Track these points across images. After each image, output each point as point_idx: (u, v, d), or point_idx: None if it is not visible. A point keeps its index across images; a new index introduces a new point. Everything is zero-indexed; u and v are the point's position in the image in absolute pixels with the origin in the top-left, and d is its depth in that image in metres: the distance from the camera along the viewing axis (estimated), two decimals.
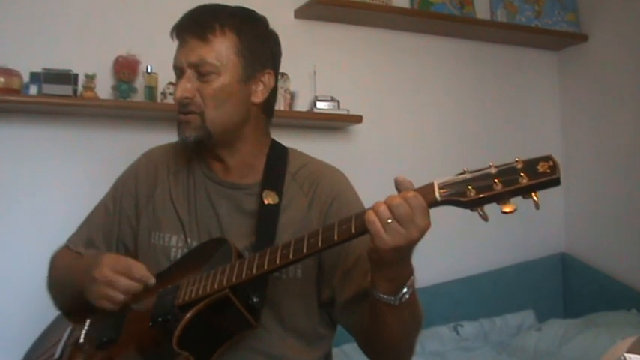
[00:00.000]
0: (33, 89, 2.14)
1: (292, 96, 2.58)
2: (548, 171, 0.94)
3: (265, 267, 1.12)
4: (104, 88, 2.27)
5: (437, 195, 1.00)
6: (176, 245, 1.34)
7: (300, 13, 2.69)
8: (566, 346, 2.54)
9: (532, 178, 0.94)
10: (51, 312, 1.43)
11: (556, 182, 0.94)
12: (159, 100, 2.33)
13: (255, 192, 1.32)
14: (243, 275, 1.13)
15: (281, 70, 1.42)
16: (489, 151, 2.92)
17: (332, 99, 2.62)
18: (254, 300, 1.18)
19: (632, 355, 1.03)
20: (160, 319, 1.18)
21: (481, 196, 0.97)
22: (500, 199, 0.97)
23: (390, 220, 1.00)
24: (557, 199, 3.27)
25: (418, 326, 1.20)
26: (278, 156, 1.37)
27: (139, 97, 2.33)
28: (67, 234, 1.47)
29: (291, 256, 1.10)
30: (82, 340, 1.28)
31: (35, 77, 2.15)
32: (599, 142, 3.18)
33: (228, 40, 1.26)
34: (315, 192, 1.32)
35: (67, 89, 2.15)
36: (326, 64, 2.70)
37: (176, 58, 1.28)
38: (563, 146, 3.33)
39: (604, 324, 2.64)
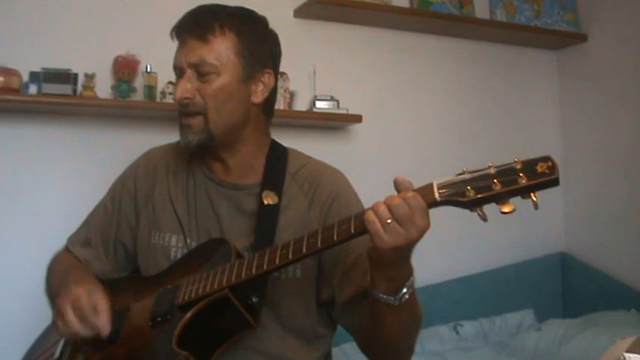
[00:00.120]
0: (32, 89, 2.14)
1: (292, 95, 2.58)
2: (547, 171, 0.94)
3: (265, 267, 1.12)
4: (103, 88, 2.27)
5: (436, 195, 1.00)
6: (176, 245, 1.34)
7: (300, 13, 2.69)
8: (566, 345, 2.54)
9: (531, 178, 0.95)
10: (51, 312, 1.43)
11: (555, 182, 0.94)
12: (158, 99, 2.33)
13: (255, 192, 1.32)
14: (243, 275, 1.13)
15: (281, 69, 1.43)
16: (489, 150, 2.92)
17: (331, 98, 2.62)
18: (253, 300, 1.18)
19: (631, 355, 1.04)
20: (159, 319, 1.19)
21: (480, 196, 0.97)
22: (500, 199, 0.97)
23: (389, 220, 1.00)
24: (556, 199, 3.27)
25: (418, 326, 1.20)
26: (278, 156, 1.37)
27: (139, 96, 2.33)
28: (66, 234, 1.48)
29: (290, 256, 1.10)
30: None
31: (34, 77, 2.15)
32: (598, 142, 3.18)
33: (228, 40, 1.26)
34: (315, 192, 1.32)
35: (66, 89, 2.15)
36: (325, 64, 2.70)
37: (176, 58, 1.28)
38: (562, 146, 3.33)
39: (603, 324, 2.64)
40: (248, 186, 1.33)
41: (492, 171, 0.98)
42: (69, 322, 1.17)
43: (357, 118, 2.65)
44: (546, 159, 0.95)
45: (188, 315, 1.14)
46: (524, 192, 0.96)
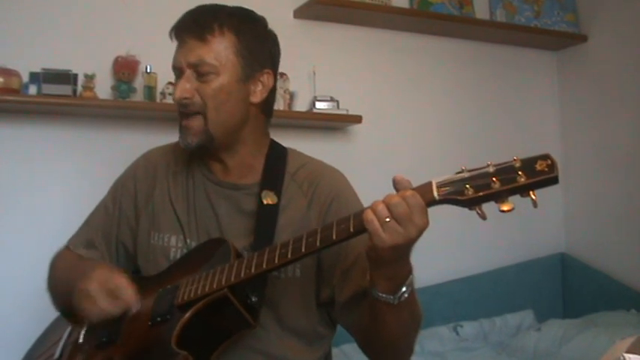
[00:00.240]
0: (32, 89, 2.14)
1: (291, 96, 2.58)
2: (546, 169, 0.94)
3: (264, 266, 1.12)
4: (103, 89, 2.27)
5: (435, 194, 1.00)
6: (175, 245, 1.34)
7: (300, 13, 2.69)
8: (566, 346, 2.54)
9: (530, 176, 0.95)
10: (51, 312, 1.43)
11: (554, 181, 0.94)
12: (158, 100, 2.33)
13: (254, 192, 1.32)
14: (242, 275, 1.13)
15: (280, 70, 1.42)
16: (488, 151, 2.91)
17: (331, 99, 2.62)
18: (253, 299, 1.18)
19: (631, 356, 1.04)
20: (159, 318, 1.19)
21: (479, 194, 0.97)
22: (498, 197, 0.97)
23: (388, 219, 1.00)
24: (556, 199, 3.27)
25: (417, 326, 1.20)
26: (277, 156, 1.37)
27: (139, 97, 2.33)
28: (66, 234, 1.47)
29: (289, 256, 1.10)
30: (81, 340, 1.28)
31: (34, 77, 2.15)
32: (598, 142, 3.18)
33: (227, 41, 1.26)
34: (315, 192, 1.32)
35: (66, 89, 2.15)
36: (325, 64, 2.70)
37: (175, 58, 1.28)
38: (562, 146, 3.33)
39: (603, 324, 2.64)
40: (247, 186, 1.33)
41: (491, 169, 0.98)
42: (99, 301, 1.18)
43: (357, 119, 2.65)
44: (545, 157, 0.95)
45: (187, 315, 1.14)
46: (523, 190, 0.96)
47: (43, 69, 2.15)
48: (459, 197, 0.99)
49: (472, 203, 0.99)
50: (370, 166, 2.65)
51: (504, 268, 3.10)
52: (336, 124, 2.73)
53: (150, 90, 2.31)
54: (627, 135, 3.04)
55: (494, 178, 0.97)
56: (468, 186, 0.98)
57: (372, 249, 1.04)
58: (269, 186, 1.31)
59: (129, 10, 2.40)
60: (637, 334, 1.20)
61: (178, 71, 1.28)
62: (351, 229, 1.05)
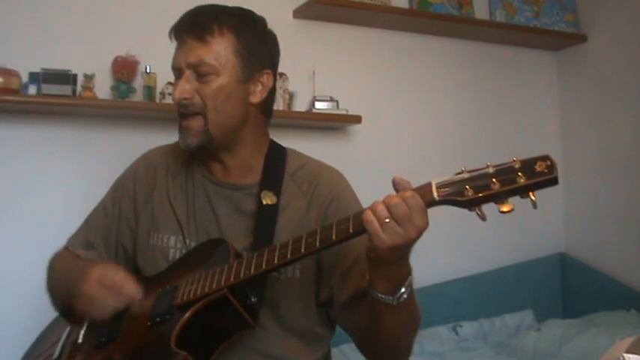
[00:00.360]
0: (32, 89, 2.14)
1: (291, 96, 2.58)
2: (546, 170, 0.94)
3: (263, 267, 1.12)
4: (103, 89, 2.27)
5: (435, 194, 1.00)
6: (175, 246, 1.34)
7: (299, 14, 2.69)
8: (566, 346, 2.54)
9: (530, 177, 0.95)
10: (50, 312, 1.43)
11: (554, 182, 0.94)
12: (158, 100, 2.33)
13: (253, 192, 1.32)
14: (242, 275, 1.13)
15: (280, 70, 1.43)
16: (488, 151, 2.91)
17: (331, 99, 2.62)
18: (252, 300, 1.19)
19: (631, 356, 1.04)
20: (158, 319, 1.19)
21: (479, 195, 0.97)
22: (498, 198, 0.97)
23: (387, 220, 1.00)
24: (556, 200, 3.27)
25: (416, 326, 1.20)
26: (277, 156, 1.37)
27: (138, 97, 2.33)
28: (66, 234, 1.47)
29: (289, 256, 1.10)
30: (80, 340, 1.28)
31: (34, 77, 2.15)
32: (598, 143, 3.18)
33: (227, 41, 1.26)
34: (314, 192, 1.32)
35: (65, 89, 2.15)
36: (325, 65, 2.70)
37: (175, 58, 1.28)
38: (562, 146, 3.33)
39: (603, 324, 2.64)
40: (247, 186, 1.33)
41: (491, 170, 0.98)
42: (101, 298, 1.19)
43: (357, 119, 2.65)
44: (545, 158, 0.95)
45: (187, 315, 1.14)
46: (523, 191, 0.96)
47: (43, 69, 2.15)
48: (458, 198, 0.99)
49: (472, 204, 0.99)
50: (370, 167, 2.65)
51: (504, 268, 3.10)
52: (336, 124, 2.73)
53: (149, 90, 2.31)
54: (627, 135, 3.04)
55: (493, 179, 0.97)
56: (467, 187, 0.98)
57: (372, 249, 1.04)
58: (268, 186, 1.31)
59: (128, 10, 2.40)
60: (637, 334, 1.19)
61: (178, 72, 1.28)
62: (351, 230, 1.05)
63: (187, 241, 1.33)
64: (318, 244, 1.08)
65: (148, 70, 2.31)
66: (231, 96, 1.27)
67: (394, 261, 1.05)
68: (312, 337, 1.32)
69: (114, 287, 1.20)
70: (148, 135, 2.21)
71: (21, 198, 2.23)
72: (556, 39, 3.20)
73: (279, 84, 1.99)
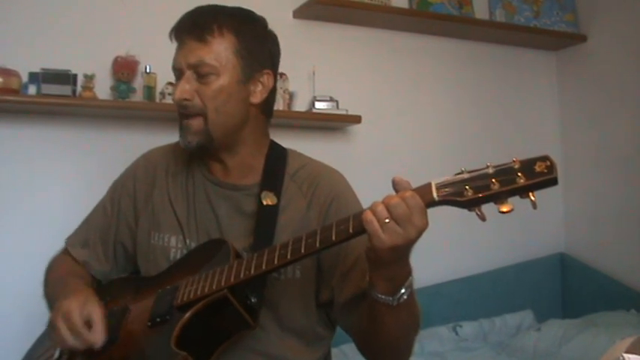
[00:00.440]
0: (32, 89, 2.14)
1: (291, 96, 2.58)
2: (546, 171, 0.94)
3: (263, 267, 1.12)
4: (103, 89, 2.27)
5: (434, 195, 1.00)
6: (175, 246, 1.34)
7: (299, 14, 2.69)
8: (566, 346, 2.54)
9: (529, 177, 0.95)
10: (49, 314, 1.43)
11: (553, 182, 0.94)
12: (157, 100, 2.34)
13: (254, 193, 1.32)
14: (242, 275, 1.13)
15: (280, 70, 1.42)
16: (488, 151, 2.92)
17: (331, 99, 2.62)
18: (252, 300, 1.18)
19: (631, 356, 1.04)
20: (158, 319, 1.19)
21: (478, 195, 0.98)
22: (498, 198, 0.97)
23: (387, 220, 1.00)
24: (556, 200, 3.27)
25: (416, 327, 1.20)
26: (277, 157, 1.37)
27: (138, 97, 2.33)
28: (65, 234, 1.48)
29: (289, 257, 1.10)
30: None
31: (34, 77, 2.15)
32: (598, 143, 3.18)
33: (227, 41, 1.26)
34: (314, 193, 1.32)
35: (65, 89, 2.15)
36: (325, 65, 2.70)
37: (175, 59, 1.28)
38: (562, 146, 3.33)
39: (603, 324, 2.64)
40: (247, 187, 1.33)
41: (490, 170, 0.98)
42: (62, 336, 1.17)
43: (357, 119, 2.65)
44: (544, 158, 0.95)
45: (187, 315, 1.14)
46: (523, 191, 0.96)
47: (43, 69, 2.15)
48: (458, 198, 0.99)
49: (471, 204, 0.99)
50: (369, 167, 2.65)
51: (504, 268, 3.10)
52: (336, 124, 2.73)
53: (149, 90, 2.31)
54: (627, 135, 3.04)
55: (493, 180, 0.97)
56: (467, 187, 0.98)
57: (372, 250, 1.04)
58: (269, 187, 1.31)
59: (128, 10, 2.40)
60: (637, 334, 1.20)
61: (178, 72, 1.28)
62: (351, 230, 1.05)
63: (188, 241, 1.33)
64: (318, 245, 1.08)
65: (148, 70, 2.31)
66: (232, 96, 1.27)
67: (394, 261, 1.05)
68: (312, 337, 1.32)
69: (77, 328, 1.15)
70: (148, 135, 2.21)
71: (21, 198, 2.23)
72: (556, 39, 3.20)
73: (279, 84, 1.98)
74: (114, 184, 1.47)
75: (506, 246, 3.13)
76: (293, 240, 1.11)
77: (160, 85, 2.33)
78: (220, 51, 1.25)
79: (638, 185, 2.98)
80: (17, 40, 2.22)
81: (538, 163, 0.95)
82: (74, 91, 2.18)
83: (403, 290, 1.09)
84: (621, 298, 2.94)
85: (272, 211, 1.29)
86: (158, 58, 2.03)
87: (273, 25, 1.37)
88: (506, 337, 2.81)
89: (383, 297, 1.09)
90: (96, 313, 1.18)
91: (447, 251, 2.91)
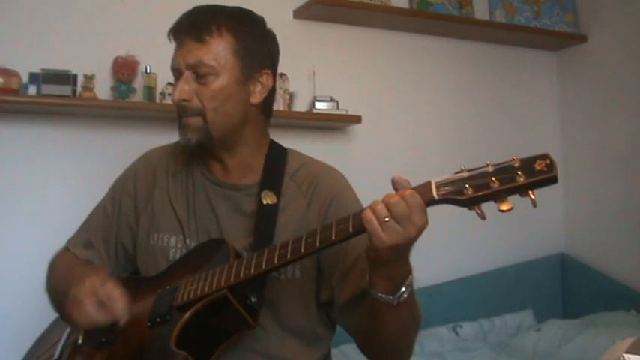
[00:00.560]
0: (32, 89, 2.15)
1: (291, 96, 2.58)
2: (545, 169, 0.94)
3: (263, 267, 1.12)
4: (103, 89, 2.27)
5: (434, 193, 1.00)
6: (175, 246, 1.34)
7: (299, 14, 2.69)
8: (566, 346, 2.54)
9: (529, 176, 0.95)
10: (50, 312, 1.43)
11: (553, 180, 0.94)
12: (158, 100, 2.34)
13: (254, 192, 1.31)
14: (242, 275, 1.13)
15: (280, 70, 1.42)
16: (488, 151, 2.89)
17: (331, 99, 2.62)
18: (252, 300, 1.18)
19: (631, 356, 1.04)
20: (158, 319, 1.19)
21: (478, 194, 0.97)
22: (498, 197, 0.97)
23: (387, 219, 1.00)
24: (556, 200, 3.27)
25: (417, 326, 1.20)
26: (277, 156, 1.37)
27: (138, 97, 2.33)
28: (65, 234, 1.47)
29: (289, 256, 1.10)
30: (80, 341, 1.28)
31: (34, 77, 2.15)
32: (598, 143, 3.18)
33: (225, 41, 1.26)
34: (314, 192, 1.32)
35: (65, 90, 2.15)
36: (325, 65, 2.70)
37: (174, 59, 1.28)
38: (562, 146, 3.33)
39: (603, 324, 2.64)
40: (247, 186, 1.33)
41: (490, 169, 0.98)
42: (87, 309, 1.17)
43: (357, 119, 2.65)
44: (544, 157, 0.95)
45: (187, 315, 1.14)
46: (522, 190, 0.96)
47: (43, 69, 2.15)
48: (458, 197, 0.99)
49: (471, 203, 0.99)
50: (369, 167, 2.65)
51: (504, 268, 3.10)
52: (336, 124, 2.73)
53: (149, 90, 2.31)
54: (627, 135, 3.04)
55: (493, 178, 0.97)
56: (467, 186, 0.98)
57: (372, 249, 1.04)
58: (269, 186, 1.31)
59: (128, 10, 2.40)
60: (637, 335, 1.20)
61: (177, 72, 1.27)
62: (351, 229, 1.05)
63: (188, 241, 1.33)
64: (317, 244, 1.08)
65: (148, 71, 2.31)
66: (231, 96, 1.27)
67: (394, 260, 1.05)
68: (312, 337, 1.32)
69: (104, 300, 1.17)
70: (148, 135, 2.22)
71: (21, 198, 2.23)
72: (556, 39, 3.20)
73: (279, 84, 1.99)
74: (114, 185, 1.47)
75: (506, 246, 3.13)
76: (293, 239, 1.11)
77: (160, 86, 2.33)
78: (219, 51, 1.25)
79: (638, 185, 2.98)
80: (17, 40, 2.22)
81: (538, 162, 0.95)
82: (74, 92, 2.18)
83: (403, 289, 1.09)
84: (621, 298, 2.94)
85: (272, 211, 1.29)
86: (158, 58, 2.02)
87: (272, 25, 1.36)
88: (506, 338, 2.81)
89: (383, 296, 1.09)
90: (118, 290, 1.19)
91: (447, 251, 2.91)
